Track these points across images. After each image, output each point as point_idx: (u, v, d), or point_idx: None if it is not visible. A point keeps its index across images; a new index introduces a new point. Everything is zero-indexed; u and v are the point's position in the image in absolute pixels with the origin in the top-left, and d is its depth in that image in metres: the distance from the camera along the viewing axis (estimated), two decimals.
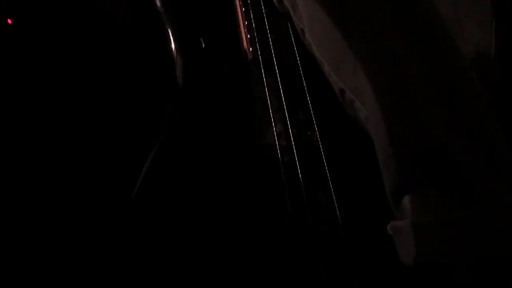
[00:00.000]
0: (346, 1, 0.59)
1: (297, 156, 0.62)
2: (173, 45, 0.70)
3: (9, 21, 0.74)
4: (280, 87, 0.68)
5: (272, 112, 0.65)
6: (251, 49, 0.71)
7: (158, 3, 0.73)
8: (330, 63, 0.64)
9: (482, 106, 0.54)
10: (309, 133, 0.65)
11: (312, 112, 0.67)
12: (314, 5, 0.64)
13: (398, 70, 0.55)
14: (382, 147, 0.57)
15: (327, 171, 0.61)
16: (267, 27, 0.74)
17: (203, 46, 0.71)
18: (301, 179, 0.60)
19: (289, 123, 0.64)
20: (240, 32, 0.75)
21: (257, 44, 0.72)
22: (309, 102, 0.67)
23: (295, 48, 0.72)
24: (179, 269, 0.51)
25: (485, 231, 0.50)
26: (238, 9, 0.77)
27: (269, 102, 0.66)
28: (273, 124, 0.64)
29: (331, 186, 0.60)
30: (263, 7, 0.77)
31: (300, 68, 0.70)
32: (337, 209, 0.59)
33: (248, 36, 0.72)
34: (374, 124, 0.58)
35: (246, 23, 0.74)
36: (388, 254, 0.52)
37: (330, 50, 0.63)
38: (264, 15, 0.76)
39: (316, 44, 0.66)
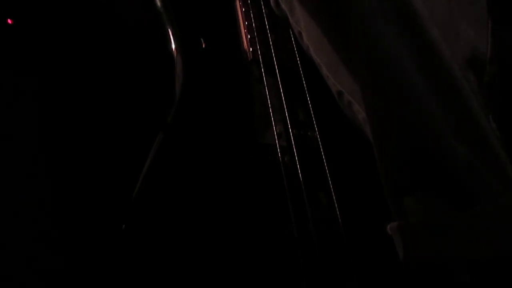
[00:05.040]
0: (341, 5, 0.59)
1: (297, 156, 0.62)
2: (173, 45, 0.70)
3: (9, 21, 0.73)
4: (280, 87, 0.68)
5: (272, 113, 0.65)
6: (251, 49, 0.71)
7: (158, 3, 0.73)
8: (327, 66, 0.64)
9: (479, 106, 0.54)
10: (309, 134, 0.65)
11: (312, 112, 0.67)
12: (311, 9, 0.65)
13: (394, 72, 0.56)
14: (379, 149, 0.57)
15: (327, 171, 0.62)
16: (267, 27, 0.74)
17: (203, 46, 0.71)
18: (301, 179, 0.60)
19: (289, 124, 0.65)
20: (240, 32, 0.75)
21: (257, 44, 0.72)
22: (309, 102, 0.67)
23: (295, 48, 0.72)
24: (179, 269, 0.51)
25: (483, 231, 0.50)
26: (238, 9, 0.77)
27: (269, 102, 0.66)
28: (273, 124, 0.64)
29: (331, 186, 0.60)
30: (263, 7, 0.77)
31: (300, 68, 0.71)
32: (337, 209, 0.59)
33: (248, 36, 0.72)
34: (371, 126, 0.58)
35: (246, 23, 0.74)
36: (388, 254, 0.52)
37: (327, 53, 0.63)
38: (264, 15, 0.76)
39: (313, 48, 0.66)
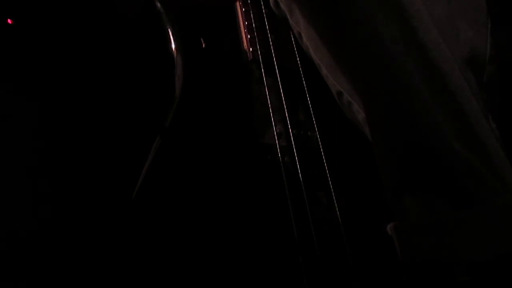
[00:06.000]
0: (340, 6, 0.59)
1: (297, 156, 0.62)
2: (173, 45, 0.70)
3: (9, 21, 0.74)
4: (280, 87, 0.68)
5: (272, 113, 0.65)
6: (251, 49, 0.71)
7: (158, 3, 0.73)
8: (327, 66, 0.64)
9: (479, 106, 0.54)
10: (309, 134, 0.65)
11: (312, 112, 0.67)
12: (310, 10, 0.64)
13: (393, 72, 0.56)
14: (379, 149, 0.57)
15: (327, 171, 0.62)
16: (267, 27, 0.74)
17: (203, 46, 0.71)
18: (301, 179, 0.60)
19: (289, 124, 0.65)
20: (240, 32, 0.75)
21: (257, 44, 0.72)
22: (309, 102, 0.67)
23: (295, 49, 0.72)
24: (180, 269, 0.52)
25: (482, 231, 0.50)
26: (238, 9, 0.77)
27: (269, 103, 0.66)
28: (273, 124, 0.64)
29: (331, 186, 0.61)
30: (263, 7, 0.76)
31: (300, 68, 0.71)
32: (337, 209, 0.59)
33: (248, 36, 0.72)
34: (371, 126, 0.58)
35: (246, 23, 0.74)
36: (388, 254, 0.53)
37: (327, 54, 0.63)
38: (264, 15, 0.76)
39: (313, 48, 0.66)
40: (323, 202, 0.59)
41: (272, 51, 0.71)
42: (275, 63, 0.70)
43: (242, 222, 0.56)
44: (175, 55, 0.69)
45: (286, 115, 0.65)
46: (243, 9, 0.76)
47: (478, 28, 0.60)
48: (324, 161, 0.63)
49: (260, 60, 0.70)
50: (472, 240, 0.50)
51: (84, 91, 0.75)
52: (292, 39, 0.73)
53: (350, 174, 0.63)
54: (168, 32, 0.71)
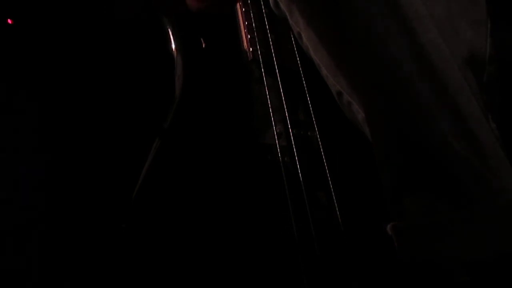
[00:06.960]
0: (339, 6, 0.59)
1: (297, 156, 0.62)
2: (173, 45, 0.70)
3: (9, 21, 0.74)
4: (280, 87, 0.68)
5: (272, 113, 0.65)
6: (251, 49, 0.71)
7: (158, 4, 0.73)
8: (327, 66, 0.64)
9: (478, 106, 0.54)
10: (309, 134, 0.65)
11: (312, 112, 0.67)
12: (309, 10, 0.64)
13: (393, 72, 0.56)
14: (379, 149, 0.57)
15: (327, 171, 0.62)
16: (267, 27, 0.74)
17: (203, 46, 0.71)
18: (301, 179, 0.60)
19: (289, 124, 0.65)
20: (240, 32, 0.75)
21: (257, 44, 0.72)
22: (309, 102, 0.68)
23: (295, 49, 0.72)
24: (180, 269, 0.52)
25: (482, 231, 0.51)
26: (238, 9, 0.77)
27: (269, 103, 0.66)
28: (273, 124, 0.64)
29: (331, 186, 0.61)
30: (263, 7, 0.76)
31: (300, 68, 0.71)
32: (337, 209, 0.59)
33: (248, 36, 0.72)
34: (370, 126, 0.58)
35: (246, 23, 0.74)
36: (388, 254, 0.53)
37: (326, 54, 0.63)
38: (264, 15, 0.75)
39: (312, 48, 0.66)
40: (323, 202, 0.59)
41: (272, 51, 0.71)
42: (275, 63, 0.70)
43: (242, 222, 0.56)
44: (175, 55, 0.69)
45: (286, 115, 0.65)
46: (243, 9, 0.75)
47: (478, 28, 0.60)
48: (324, 161, 0.63)
49: (260, 60, 0.70)
50: (472, 240, 0.50)
51: (84, 91, 0.75)
52: (292, 39, 0.73)
53: (350, 174, 0.63)
54: (168, 32, 0.71)
